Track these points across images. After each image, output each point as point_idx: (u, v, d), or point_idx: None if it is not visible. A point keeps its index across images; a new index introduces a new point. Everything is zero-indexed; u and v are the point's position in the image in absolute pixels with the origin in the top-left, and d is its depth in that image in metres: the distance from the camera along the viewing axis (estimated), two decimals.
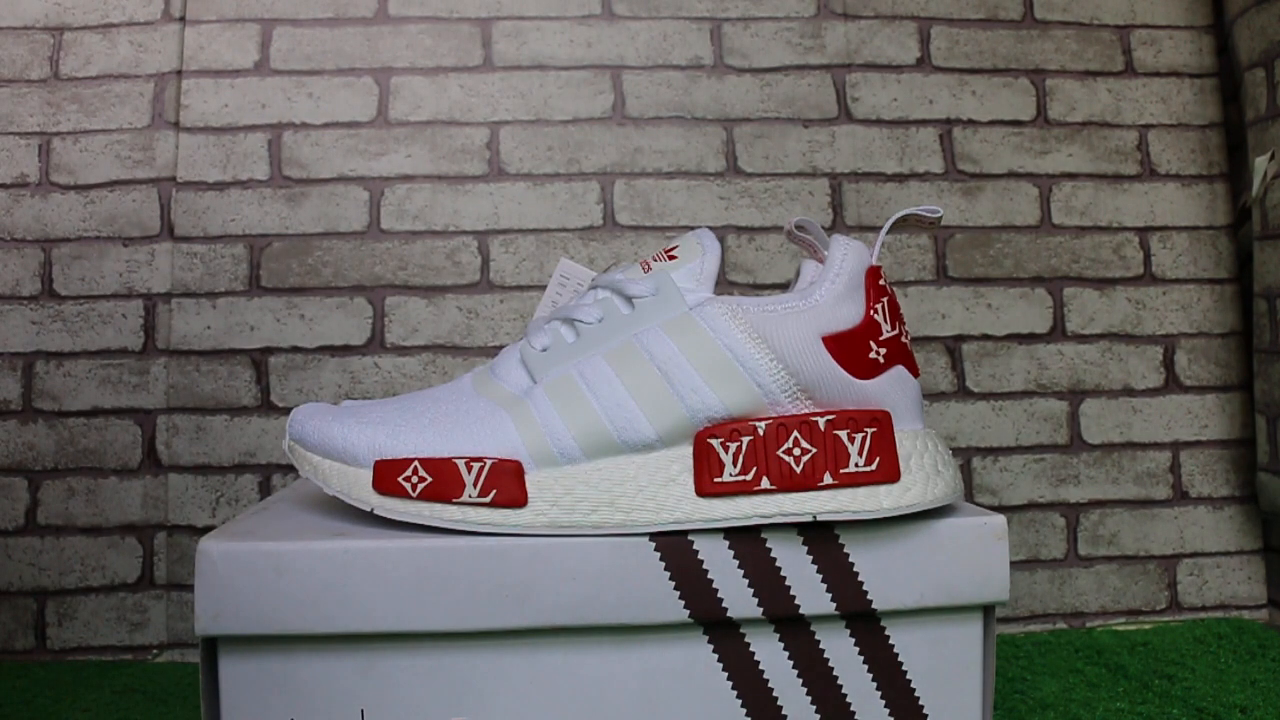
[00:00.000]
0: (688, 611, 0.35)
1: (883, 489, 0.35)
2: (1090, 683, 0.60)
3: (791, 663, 0.36)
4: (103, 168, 0.72)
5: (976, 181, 0.76)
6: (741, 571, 0.35)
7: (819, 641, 0.36)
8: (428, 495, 0.35)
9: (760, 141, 0.75)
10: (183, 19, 0.74)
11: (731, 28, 0.76)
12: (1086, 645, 0.67)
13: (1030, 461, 0.74)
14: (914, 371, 0.38)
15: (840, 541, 0.36)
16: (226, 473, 0.71)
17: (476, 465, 0.35)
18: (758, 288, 0.74)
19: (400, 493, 0.35)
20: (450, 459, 0.35)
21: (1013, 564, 0.73)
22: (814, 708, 0.36)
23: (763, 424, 0.35)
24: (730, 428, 0.35)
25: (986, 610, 0.37)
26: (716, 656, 0.36)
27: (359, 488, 0.36)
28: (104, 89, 0.73)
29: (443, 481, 0.35)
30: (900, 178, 0.76)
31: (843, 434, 0.35)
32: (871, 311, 0.36)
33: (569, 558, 0.35)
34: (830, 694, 0.36)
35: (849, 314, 0.36)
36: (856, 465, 0.35)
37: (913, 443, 0.36)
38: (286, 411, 0.71)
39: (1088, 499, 0.74)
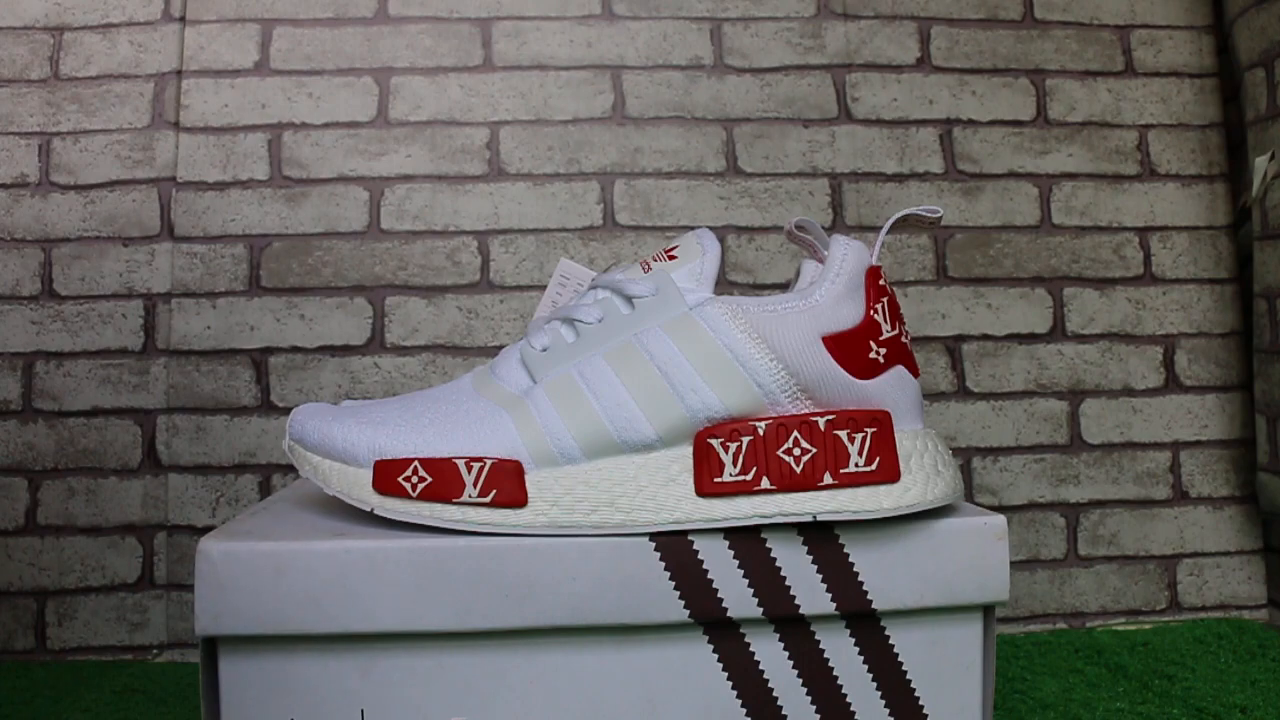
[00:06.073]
0: (688, 612, 0.35)
1: (883, 489, 0.35)
2: (1090, 683, 0.60)
3: (791, 663, 0.36)
4: (103, 168, 0.72)
5: (976, 181, 0.76)
6: (741, 571, 0.35)
7: (819, 641, 0.36)
8: (428, 495, 0.35)
9: (760, 141, 0.75)
10: (183, 19, 0.74)
11: (731, 28, 0.76)
12: (1086, 645, 0.67)
13: (1030, 461, 0.74)
14: (914, 371, 0.38)
15: (840, 541, 0.36)
16: (226, 473, 0.71)
17: (476, 465, 0.35)
18: (758, 288, 0.74)
19: (400, 493, 0.35)
20: (450, 459, 0.35)
21: (1013, 564, 0.73)
22: (814, 708, 0.36)
23: (763, 424, 0.35)
24: (730, 428, 0.35)
25: (986, 610, 0.37)
26: (716, 656, 0.36)
27: (359, 488, 0.36)
28: (104, 89, 0.73)
29: (443, 481, 0.35)
30: (900, 178, 0.76)
31: (843, 434, 0.35)
32: (871, 311, 0.36)
33: (569, 558, 0.35)
34: (830, 694, 0.36)
35: (849, 314, 0.36)
36: (856, 465, 0.35)
37: (913, 443, 0.36)
38: (286, 411, 0.71)
39: (1088, 499, 0.74)
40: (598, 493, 0.35)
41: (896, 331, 0.37)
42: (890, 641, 0.37)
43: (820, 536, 0.36)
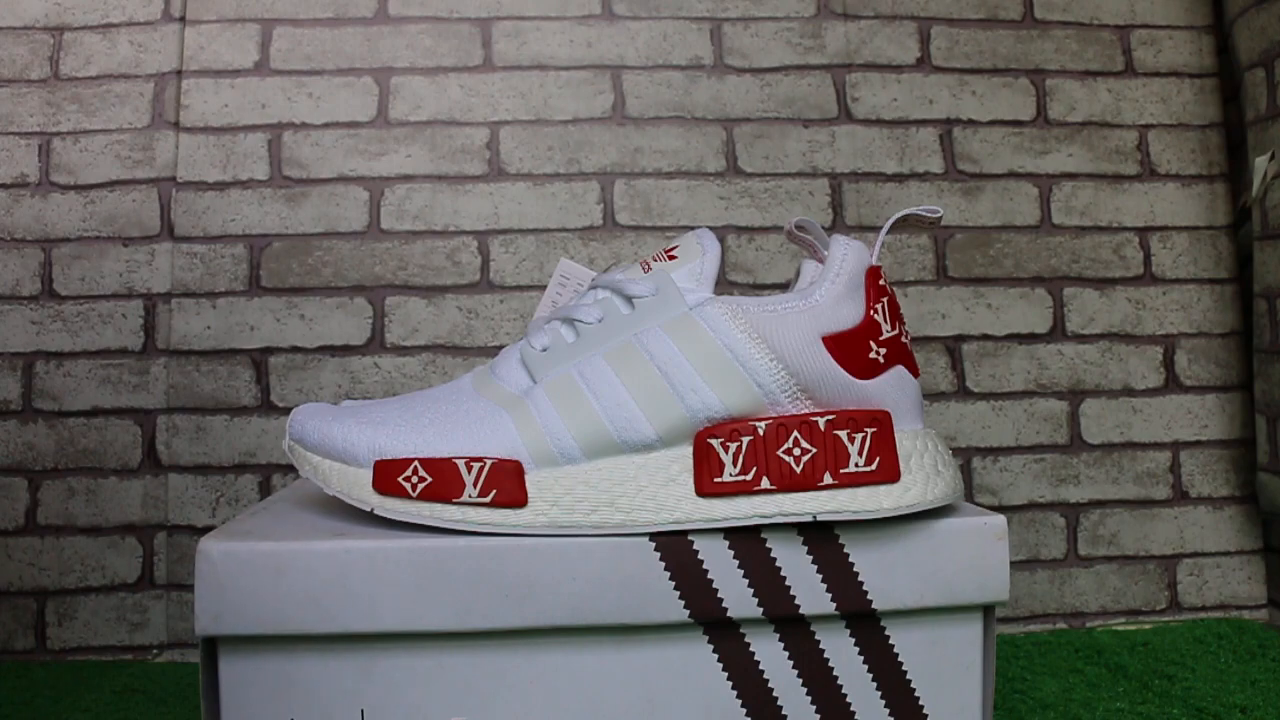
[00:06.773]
0: (688, 612, 0.35)
1: (883, 489, 0.35)
2: (1090, 683, 0.60)
3: (791, 663, 0.36)
4: (103, 168, 0.72)
5: (976, 181, 0.76)
6: (741, 571, 0.35)
7: (819, 641, 0.36)
8: (428, 495, 0.35)
9: (760, 141, 0.75)
10: (183, 19, 0.74)
11: (731, 28, 0.76)
12: (1086, 645, 0.67)
13: (1030, 461, 0.74)
14: (914, 371, 0.38)
15: (840, 541, 0.36)
16: (226, 473, 0.71)
17: (476, 465, 0.35)
18: (758, 288, 0.74)
19: (400, 493, 0.35)
20: (450, 459, 0.35)
21: (1013, 564, 0.73)
22: (814, 708, 0.36)
23: (763, 424, 0.35)
24: (730, 428, 0.35)
25: (986, 610, 0.37)
26: (716, 656, 0.36)
27: (359, 488, 0.36)
28: (104, 89, 0.73)
29: (443, 481, 0.35)
30: (900, 178, 0.76)
31: (843, 434, 0.35)
32: (871, 311, 0.36)
33: (569, 558, 0.35)
34: (830, 694, 0.36)
35: (849, 314, 0.36)
36: (856, 465, 0.35)
37: (913, 443, 0.36)
38: (286, 411, 0.71)
39: (1088, 499, 0.74)
40: (598, 493, 0.35)
41: (896, 331, 0.37)
42: (890, 641, 0.37)
43: (820, 536, 0.36)
